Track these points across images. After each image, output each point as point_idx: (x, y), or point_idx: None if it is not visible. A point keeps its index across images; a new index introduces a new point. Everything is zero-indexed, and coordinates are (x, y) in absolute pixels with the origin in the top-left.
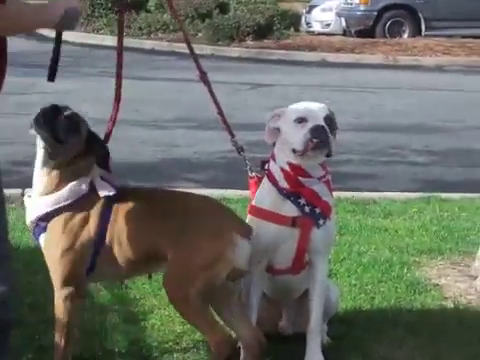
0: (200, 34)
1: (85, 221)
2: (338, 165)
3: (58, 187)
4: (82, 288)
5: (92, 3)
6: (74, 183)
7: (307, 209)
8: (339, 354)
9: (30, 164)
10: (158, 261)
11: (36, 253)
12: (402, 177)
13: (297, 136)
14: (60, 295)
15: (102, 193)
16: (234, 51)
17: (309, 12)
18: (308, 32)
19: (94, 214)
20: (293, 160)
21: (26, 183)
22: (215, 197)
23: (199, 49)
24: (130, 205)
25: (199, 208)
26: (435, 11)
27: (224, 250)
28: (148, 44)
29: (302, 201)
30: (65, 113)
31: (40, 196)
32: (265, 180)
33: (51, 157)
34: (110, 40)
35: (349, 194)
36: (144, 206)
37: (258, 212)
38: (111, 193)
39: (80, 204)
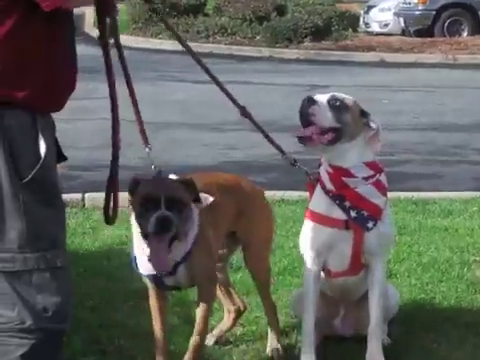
0: (258, 37)
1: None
2: (398, 165)
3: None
4: None
5: (150, 8)
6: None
7: (353, 213)
8: (400, 354)
9: (89, 169)
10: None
11: (97, 257)
12: (463, 176)
13: None
14: (211, 303)
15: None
16: (292, 53)
17: (367, 12)
18: (366, 32)
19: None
20: (330, 160)
21: (85, 187)
22: (275, 199)
23: (257, 52)
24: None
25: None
26: None
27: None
28: (206, 47)
29: (347, 204)
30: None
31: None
32: (318, 184)
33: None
34: (168, 44)
35: (409, 194)
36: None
37: (312, 216)
38: (209, 201)
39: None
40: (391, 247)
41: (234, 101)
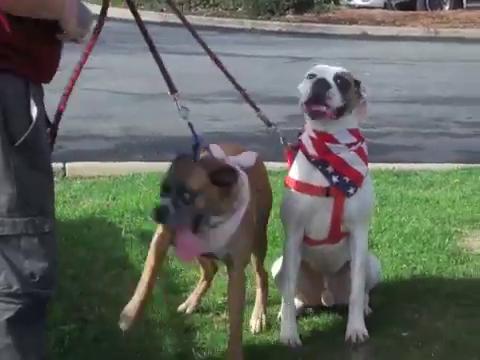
0: (240, 8)
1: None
2: (380, 137)
3: (231, 208)
4: None
5: None
6: (240, 192)
7: (335, 178)
8: (381, 324)
9: (70, 139)
10: None
11: (77, 226)
12: (444, 149)
13: (303, 89)
14: (243, 276)
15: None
16: (274, 25)
17: None
18: (349, 5)
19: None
20: (316, 126)
21: (66, 157)
22: None
23: (239, 23)
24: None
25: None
26: None
27: None
28: (188, 19)
29: (330, 169)
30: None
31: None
32: (299, 151)
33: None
34: (151, 16)
35: (390, 165)
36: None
37: (292, 183)
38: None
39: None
40: (371, 216)
41: (209, 52)
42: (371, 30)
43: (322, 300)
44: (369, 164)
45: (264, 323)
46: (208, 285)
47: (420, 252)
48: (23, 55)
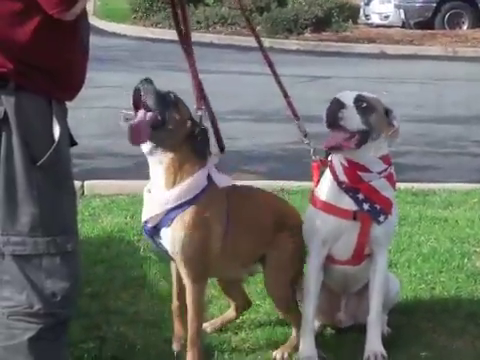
0: (258, 27)
1: (213, 214)
2: (398, 156)
3: (179, 181)
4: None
5: None
6: (194, 176)
7: (366, 206)
8: (399, 344)
9: (88, 157)
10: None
11: (96, 244)
12: (462, 168)
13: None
14: (197, 289)
15: (222, 184)
16: (292, 44)
17: (368, 4)
18: (366, 24)
19: (219, 206)
20: (347, 154)
21: (84, 175)
22: (274, 189)
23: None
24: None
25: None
26: None
27: None
28: (207, 37)
29: (361, 196)
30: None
31: (164, 190)
32: (327, 171)
33: (158, 142)
34: (169, 34)
35: (409, 185)
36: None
37: (319, 203)
38: (230, 184)
39: (203, 197)
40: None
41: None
42: (389, 49)
43: (337, 318)
44: None
45: (286, 357)
46: (237, 317)
47: (439, 272)
48: (44, 73)
